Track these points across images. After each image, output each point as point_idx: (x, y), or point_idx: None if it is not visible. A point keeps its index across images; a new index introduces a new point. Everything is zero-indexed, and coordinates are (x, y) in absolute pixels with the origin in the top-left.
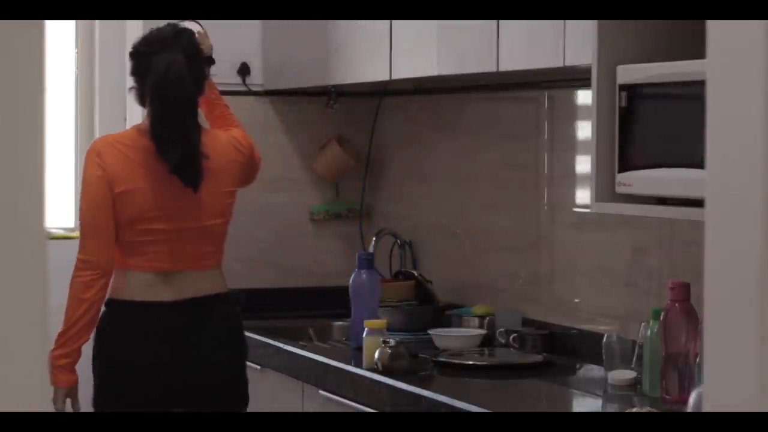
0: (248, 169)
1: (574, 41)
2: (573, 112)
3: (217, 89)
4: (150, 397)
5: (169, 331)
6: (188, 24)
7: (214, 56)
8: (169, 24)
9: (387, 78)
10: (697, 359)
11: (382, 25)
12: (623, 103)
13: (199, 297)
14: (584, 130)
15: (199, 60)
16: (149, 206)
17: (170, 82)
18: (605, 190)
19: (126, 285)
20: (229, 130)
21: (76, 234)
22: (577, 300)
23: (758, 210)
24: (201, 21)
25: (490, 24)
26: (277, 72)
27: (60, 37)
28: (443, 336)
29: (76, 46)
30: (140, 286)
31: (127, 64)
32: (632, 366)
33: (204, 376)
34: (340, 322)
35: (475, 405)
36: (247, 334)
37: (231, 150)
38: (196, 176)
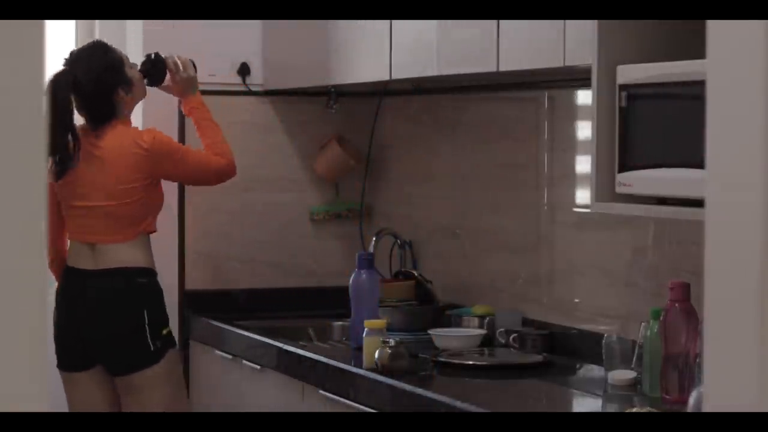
0: (154, 160)
1: (574, 41)
2: (573, 112)
3: (207, 112)
4: (74, 350)
5: (83, 294)
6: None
7: (215, 57)
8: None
9: (387, 78)
10: (697, 359)
11: (382, 25)
12: (623, 103)
13: (110, 268)
14: (584, 130)
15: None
16: (67, 188)
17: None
18: (605, 190)
19: (68, 252)
20: (142, 130)
21: None
22: (577, 300)
23: (758, 210)
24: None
25: (490, 24)
26: (277, 72)
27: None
28: (443, 336)
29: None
30: (73, 253)
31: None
32: (632, 366)
33: (104, 335)
34: (340, 322)
35: (475, 405)
36: (247, 333)
37: (128, 143)
38: (61, 164)
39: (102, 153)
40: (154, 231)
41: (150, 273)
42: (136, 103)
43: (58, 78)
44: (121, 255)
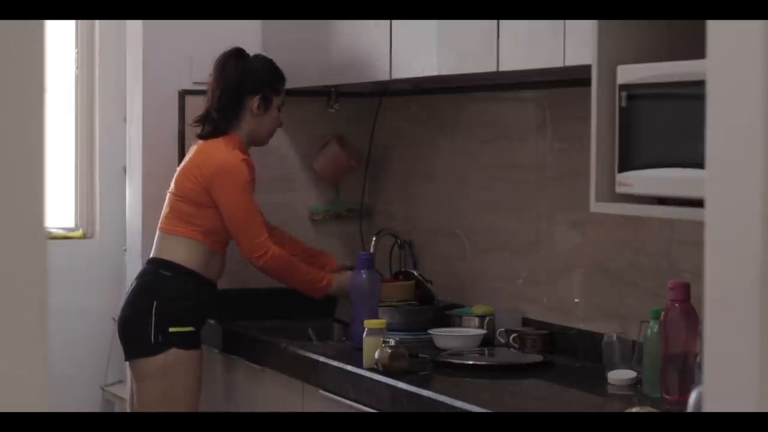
0: (204, 185)
1: (574, 41)
2: (573, 112)
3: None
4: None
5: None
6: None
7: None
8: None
9: (387, 78)
10: (697, 359)
11: (382, 25)
12: (623, 103)
13: (152, 257)
14: (584, 130)
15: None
16: None
17: None
18: (605, 190)
19: None
20: (231, 154)
21: (76, 234)
22: (577, 300)
23: (758, 210)
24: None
25: (490, 24)
26: None
27: (60, 37)
28: (443, 336)
29: (76, 46)
30: None
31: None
32: (632, 366)
33: (119, 317)
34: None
35: (475, 405)
36: (247, 333)
37: (203, 162)
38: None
39: (197, 147)
40: (214, 248)
41: (180, 270)
42: (263, 127)
43: None
44: (161, 244)
